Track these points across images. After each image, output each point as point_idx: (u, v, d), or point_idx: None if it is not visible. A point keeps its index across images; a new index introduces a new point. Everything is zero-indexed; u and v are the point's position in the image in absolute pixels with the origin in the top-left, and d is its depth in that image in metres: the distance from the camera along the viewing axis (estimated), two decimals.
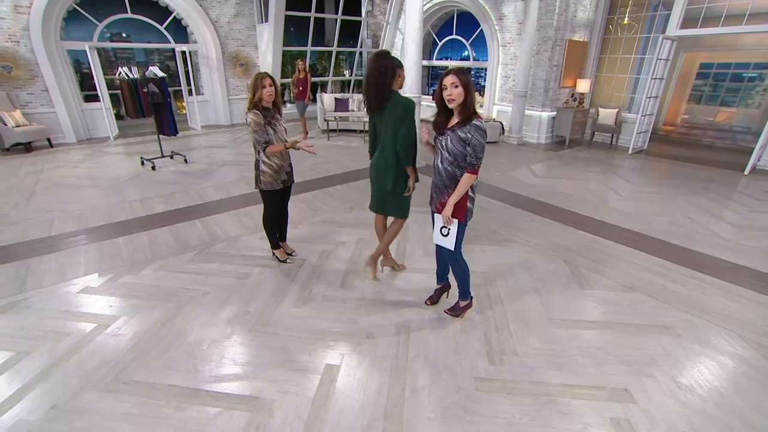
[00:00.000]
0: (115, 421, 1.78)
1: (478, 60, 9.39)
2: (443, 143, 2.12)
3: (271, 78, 2.65)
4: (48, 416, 1.80)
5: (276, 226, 3.08)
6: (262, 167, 2.79)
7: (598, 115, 7.77)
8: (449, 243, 2.27)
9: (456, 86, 2.00)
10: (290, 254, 3.26)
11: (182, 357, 2.18)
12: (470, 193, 2.19)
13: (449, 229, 2.22)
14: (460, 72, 2.02)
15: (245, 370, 2.10)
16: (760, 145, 6.04)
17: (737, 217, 4.31)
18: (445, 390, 1.99)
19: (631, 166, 6.42)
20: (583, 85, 7.67)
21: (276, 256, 3.18)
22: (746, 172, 6.03)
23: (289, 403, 1.89)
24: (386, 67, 2.38)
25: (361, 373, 2.09)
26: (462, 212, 2.19)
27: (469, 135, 2.01)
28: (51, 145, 7.04)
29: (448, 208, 2.14)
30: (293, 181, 3.05)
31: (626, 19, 7.06)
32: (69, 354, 2.19)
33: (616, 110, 7.54)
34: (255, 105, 2.63)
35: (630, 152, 7.18)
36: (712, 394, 1.99)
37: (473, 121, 2.02)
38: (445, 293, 2.73)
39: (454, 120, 2.10)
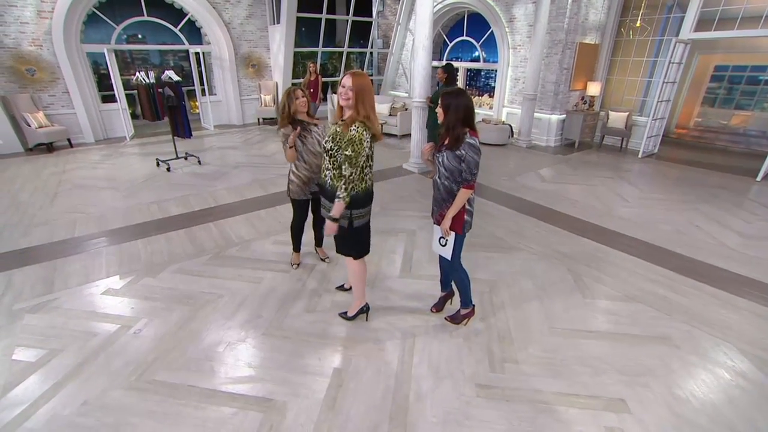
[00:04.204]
0: (140, 418, 1.93)
1: (488, 61, 9.39)
2: (440, 160, 2.22)
3: (303, 89, 2.79)
4: (80, 412, 1.96)
5: (300, 234, 3.22)
6: (291, 176, 2.94)
7: (608, 119, 7.73)
8: (447, 253, 2.38)
9: (439, 107, 2.16)
10: (323, 259, 3.43)
11: (200, 358, 2.32)
12: (467, 206, 2.28)
13: (447, 239, 2.33)
14: (445, 94, 2.15)
15: (259, 372, 2.23)
16: None
17: (746, 226, 4.31)
18: (447, 395, 2.10)
19: (641, 171, 6.40)
20: (594, 88, 7.64)
21: (291, 260, 3.34)
22: (759, 178, 5.97)
23: (300, 405, 2.02)
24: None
25: (368, 377, 2.21)
26: (459, 225, 2.29)
27: (463, 152, 2.11)
28: (71, 145, 7.28)
29: (446, 222, 2.25)
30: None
31: (639, 21, 7.00)
32: (96, 353, 2.35)
33: (627, 113, 7.50)
34: (291, 119, 2.74)
35: (640, 156, 7.15)
36: (706, 406, 2.06)
37: (466, 140, 2.11)
38: (449, 300, 2.83)
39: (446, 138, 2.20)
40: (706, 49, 8.94)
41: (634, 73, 7.72)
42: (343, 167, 2.11)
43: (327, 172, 2.23)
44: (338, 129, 2.13)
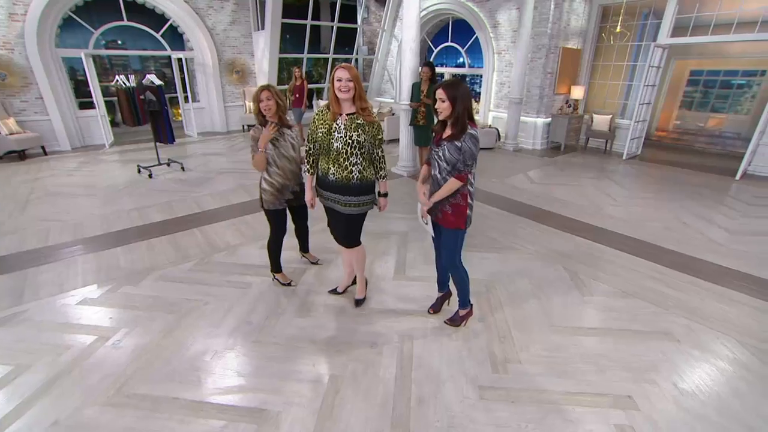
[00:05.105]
0: None
1: (473, 67, 9.49)
2: (440, 154, 2.14)
3: (270, 91, 2.52)
4: None
5: (279, 251, 2.94)
6: (263, 185, 2.67)
7: (592, 122, 7.88)
8: (429, 229, 2.41)
9: (443, 101, 2.05)
10: (315, 262, 3.29)
11: (185, 369, 2.16)
12: (469, 200, 2.22)
13: (427, 221, 2.36)
14: (448, 86, 2.04)
15: (250, 381, 2.09)
16: (750, 150, 6.16)
17: (730, 222, 4.39)
18: (451, 399, 2.00)
19: (626, 172, 6.51)
20: (577, 92, 7.78)
21: (278, 280, 3.00)
22: (737, 177, 6.14)
23: (295, 415, 1.88)
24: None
25: (366, 383, 2.09)
26: (462, 219, 2.22)
27: (462, 142, 2.04)
28: (45, 153, 6.98)
29: (429, 203, 2.25)
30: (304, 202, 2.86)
31: (618, 27, 7.19)
32: (70, 367, 2.16)
33: (610, 116, 7.66)
34: (262, 119, 2.56)
35: (624, 158, 7.28)
36: (713, 399, 2.02)
37: (468, 130, 2.05)
38: (447, 301, 2.75)
39: (448, 131, 2.13)
40: (681, 55, 9.27)
41: (615, 77, 7.92)
42: (378, 151, 2.36)
43: (354, 168, 2.28)
44: (360, 121, 2.23)
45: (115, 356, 2.25)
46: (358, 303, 2.77)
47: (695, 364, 2.27)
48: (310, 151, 2.40)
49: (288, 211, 2.87)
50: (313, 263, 3.30)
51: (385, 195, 2.48)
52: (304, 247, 3.28)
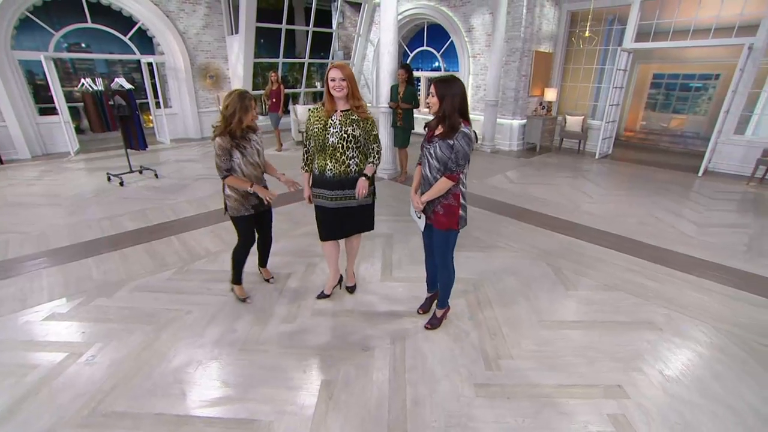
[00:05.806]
0: None
1: (449, 70, 9.64)
2: (432, 151, 2.13)
3: (255, 99, 2.42)
4: None
5: (244, 262, 2.74)
6: (227, 191, 2.50)
7: (565, 123, 8.16)
8: (421, 224, 2.35)
9: (432, 96, 2.05)
10: (268, 280, 3.03)
11: (168, 382, 2.04)
12: (462, 200, 2.21)
13: (421, 214, 2.31)
14: (439, 82, 2.04)
15: (238, 391, 1.99)
16: (710, 149, 6.54)
17: (698, 216, 4.62)
18: (446, 398, 1.97)
19: (599, 171, 6.75)
20: (550, 94, 8.04)
21: (234, 293, 2.80)
22: (700, 173, 6.49)
23: (288, 424, 1.81)
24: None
25: (360, 386, 2.04)
26: (454, 220, 2.21)
27: (455, 141, 2.04)
28: (1, 162, 6.54)
29: (420, 199, 2.21)
30: (270, 206, 2.74)
31: (587, 32, 7.49)
32: (37, 388, 2.00)
33: (582, 117, 7.95)
34: (228, 127, 2.31)
35: (597, 157, 7.56)
36: (695, 383, 2.09)
37: (461, 129, 2.04)
38: (436, 300, 2.73)
39: (441, 128, 2.12)
40: (645, 59, 9.78)
41: (585, 79, 8.24)
42: (374, 145, 2.41)
43: (351, 161, 2.35)
44: (354, 117, 2.30)
45: (89, 373, 2.10)
46: (352, 289, 2.91)
47: (677, 351, 2.35)
48: (306, 149, 2.45)
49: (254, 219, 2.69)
50: (266, 280, 3.04)
51: (367, 178, 2.38)
52: (262, 262, 3.03)
